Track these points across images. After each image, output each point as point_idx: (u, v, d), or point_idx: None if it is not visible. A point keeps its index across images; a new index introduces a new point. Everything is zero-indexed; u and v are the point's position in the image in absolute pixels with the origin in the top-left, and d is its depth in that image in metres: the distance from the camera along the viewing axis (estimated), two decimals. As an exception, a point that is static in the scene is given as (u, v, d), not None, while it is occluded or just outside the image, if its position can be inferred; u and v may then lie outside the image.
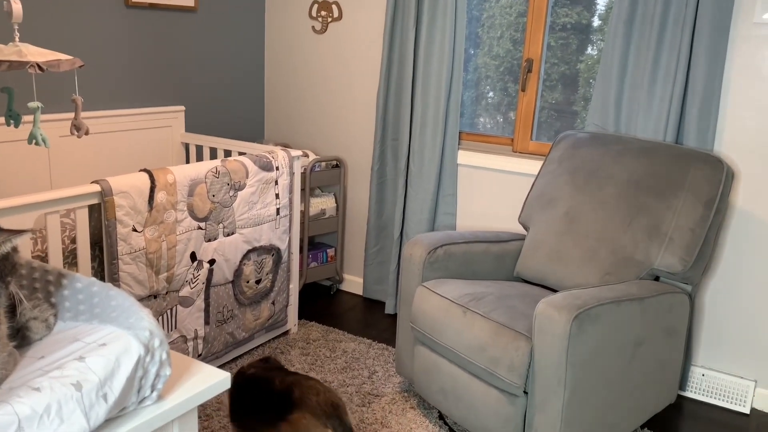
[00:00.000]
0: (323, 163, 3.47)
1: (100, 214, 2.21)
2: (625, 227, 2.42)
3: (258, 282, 2.83)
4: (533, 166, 3.02)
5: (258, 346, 2.95)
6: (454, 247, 2.58)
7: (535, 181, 2.80)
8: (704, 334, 2.79)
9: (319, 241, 3.77)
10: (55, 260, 2.11)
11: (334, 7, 3.51)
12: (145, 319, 1.03)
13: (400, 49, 3.22)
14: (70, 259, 2.26)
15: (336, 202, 3.56)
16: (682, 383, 2.81)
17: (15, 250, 1.00)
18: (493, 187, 3.19)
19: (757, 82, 2.55)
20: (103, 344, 0.98)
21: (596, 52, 3.00)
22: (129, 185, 2.23)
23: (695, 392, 2.80)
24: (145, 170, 2.33)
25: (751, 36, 2.53)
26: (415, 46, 3.17)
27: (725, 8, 2.49)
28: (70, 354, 0.97)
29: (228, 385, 1.16)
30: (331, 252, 3.62)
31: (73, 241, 2.25)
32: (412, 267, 2.53)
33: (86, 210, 2.17)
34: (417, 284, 2.51)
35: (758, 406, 2.73)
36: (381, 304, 3.55)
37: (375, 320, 3.37)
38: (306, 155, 3.43)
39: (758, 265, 2.64)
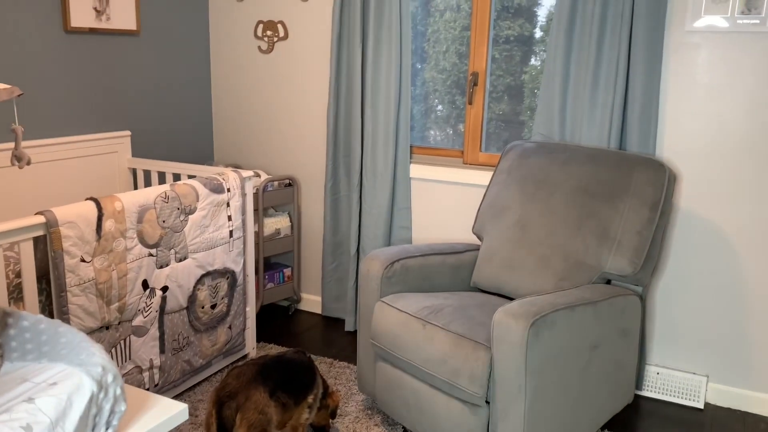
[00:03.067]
0: (276, 183, 3.45)
1: (46, 245, 2.14)
2: (575, 233, 2.47)
3: (213, 307, 2.78)
4: (484, 177, 3.07)
5: (216, 372, 2.90)
6: (410, 261, 2.59)
7: (486, 191, 2.84)
8: (657, 333, 2.87)
9: (275, 261, 3.73)
10: (0, 296, 2.03)
11: (279, 26, 3.50)
12: (96, 354, 1.00)
13: (347, 65, 3.24)
14: (16, 293, 2.17)
15: (290, 221, 3.54)
16: (638, 383, 2.88)
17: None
18: (446, 199, 3.22)
19: (692, 87, 2.66)
20: (54, 383, 0.95)
21: (539, 63, 3.07)
22: (75, 215, 2.17)
23: (651, 391, 2.87)
24: (91, 198, 2.27)
25: (684, 43, 2.64)
26: (363, 62, 3.19)
27: (659, 17, 2.59)
28: (18, 396, 0.94)
29: (186, 416, 1.13)
30: (287, 272, 3.59)
31: (18, 275, 2.17)
32: (369, 283, 2.53)
33: (31, 242, 2.10)
34: (375, 300, 2.51)
35: (711, 401, 2.81)
36: (340, 322, 3.53)
37: (335, 338, 3.35)
38: (258, 175, 3.40)
39: (704, 263, 2.74)
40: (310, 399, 2.21)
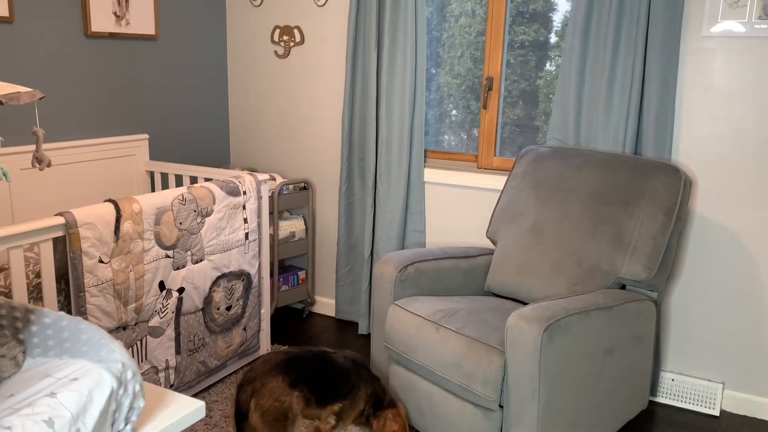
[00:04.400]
0: (291, 186, 3.48)
1: (65, 246, 2.18)
2: (589, 238, 2.47)
3: (228, 308, 2.80)
4: (498, 181, 3.07)
5: (231, 374, 2.92)
6: (424, 264, 2.60)
7: (500, 196, 2.84)
8: (672, 340, 2.85)
9: (289, 264, 3.75)
10: (20, 295, 2.06)
11: (295, 31, 3.53)
12: (116, 351, 1.02)
13: (363, 70, 3.26)
14: (35, 293, 2.21)
15: (305, 224, 3.56)
16: (653, 389, 2.86)
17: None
18: (460, 204, 3.22)
19: (708, 92, 2.65)
20: (75, 379, 0.97)
21: (554, 68, 3.07)
22: (94, 216, 2.20)
23: (666, 397, 2.85)
24: (110, 200, 2.30)
25: (700, 49, 2.63)
26: (378, 67, 3.21)
27: (675, 22, 2.59)
28: (40, 390, 0.96)
29: (203, 414, 1.15)
30: (302, 274, 3.61)
31: (38, 275, 2.20)
32: (383, 286, 2.54)
33: (50, 243, 2.14)
34: (389, 303, 2.52)
35: (727, 408, 2.79)
36: (354, 325, 3.54)
37: (348, 341, 3.36)
38: (273, 178, 3.43)
39: (719, 269, 2.72)
40: (336, 407, 2.13)
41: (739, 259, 2.68)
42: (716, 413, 2.75)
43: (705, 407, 2.77)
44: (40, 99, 1.95)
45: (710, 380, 2.79)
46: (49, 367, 1.03)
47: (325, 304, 3.69)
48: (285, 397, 2.00)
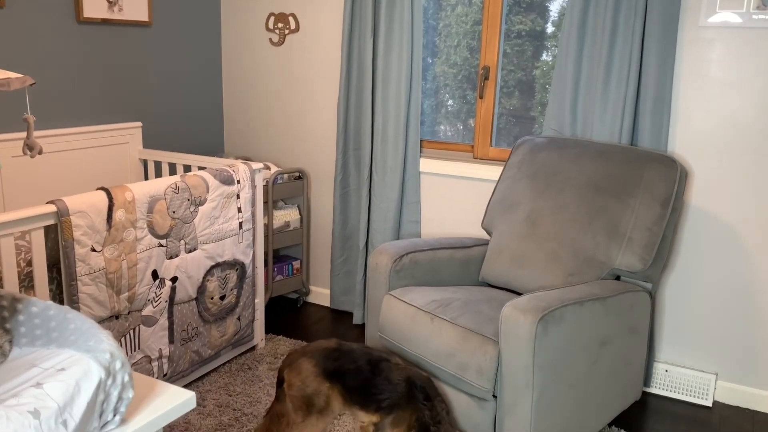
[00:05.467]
0: (285, 175, 3.46)
1: (57, 234, 2.16)
2: (585, 229, 2.46)
3: (222, 298, 2.79)
4: (494, 171, 3.06)
5: (225, 363, 2.91)
6: (419, 255, 2.59)
7: (496, 186, 2.83)
8: (666, 330, 2.85)
9: (284, 253, 3.74)
10: (11, 284, 2.05)
11: (290, 18, 3.50)
12: (104, 341, 1.00)
13: (358, 59, 3.23)
14: (27, 282, 2.19)
15: (300, 214, 3.55)
16: (647, 380, 2.86)
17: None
18: (456, 194, 3.21)
19: (705, 83, 2.63)
20: (62, 369, 0.95)
21: (551, 58, 3.05)
22: (86, 204, 2.18)
23: (659, 388, 2.85)
24: (102, 188, 2.28)
25: (697, 39, 2.62)
26: (374, 56, 3.19)
27: (672, 12, 2.57)
28: (26, 381, 0.94)
29: (193, 405, 1.14)
30: (296, 264, 3.59)
31: (29, 263, 2.18)
32: (378, 276, 2.53)
33: (42, 231, 2.12)
34: (384, 293, 2.51)
35: (720, 399, 2.79)
36: (349, 315, 3.53)
37: (343, 331, 3.36)
38: (268, 168, 3.41)
39: (714, 261, 2.72)
40: (364, 417, 2.03)
41: (733, 250, 2.68)
42: (709, 404, 2.76)
43: (698, 398, 2.78)
44: (31, 85, 1.92)
45: (703, 371, 2.79)
46: (36, 356, 1.02)
47: (320, 294, 3.69)
48: (311, 383, 2.00)
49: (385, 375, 2.04)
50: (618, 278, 2.48)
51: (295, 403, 2.01)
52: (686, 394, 2.81)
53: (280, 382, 2.08)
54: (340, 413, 2.09)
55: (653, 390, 2.87)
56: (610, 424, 2.57)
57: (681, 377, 2.81)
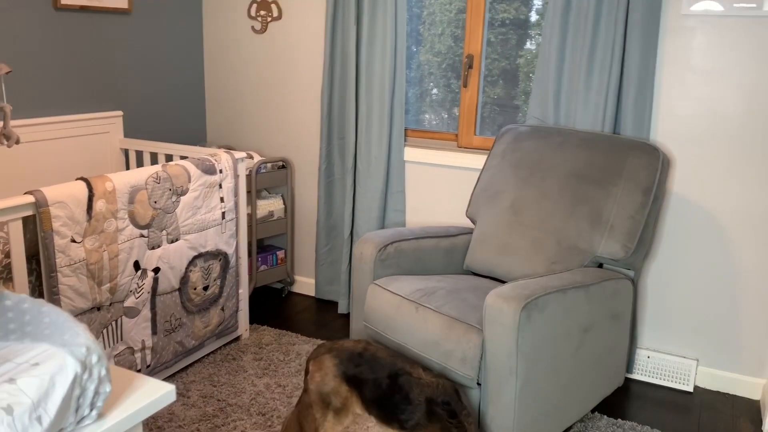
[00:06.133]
0: (269, 164, 3.43)
1: (36, 226, 2.13)
2: (568, 217, 2.47)
3: (206, 288, 2.77)
4: (478, 160, 3.06)
5: (209, 354, 2.90)
6: (404, 244, 2.59)
7: (480, 175, 2.83)
8: (648, 317, 2.88)
9: (268, 243, 3.72)
10: (-11, 276, 2.02)
11: (273, 6, 3.46)
12: (80, 334, 0.99)
13: (341, 47, 3.21)
14: (5, 274, 2.16)
15: (284, 204, 3.53)
16: (629, 366, 2.89)
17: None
18: (440, 183, 3.21)
19: (687, 72, 2.64)
20: (36, 364, 0.94)
21: (535, 47, 3.05)
22: (65, 195, 2.15)
23: (641, 374, 2.88)
24: (82, 178, 2.25)
25: (680, 27, 2.62)
26: (357, 44, 3.16)
27: (655, 1, 2.57)
28: None
29: (173, 398, 1.13)
30: (281, 254, 3.58)
31: (8, 255, 2.15)
32: (363, 265, 2.53)
33: (20, 222, 2.09)
34: (369, 282, 2.51)
35: (701, 384, 2.83)
36: (334, 305, 3.53)
37: (328, 321, 3.35)
38: (251, 157, 3.38)
39: (695, 248, 2.74)
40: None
41: (714, 238, 2.70)
42: (690, 389, 2.79)
43: (679, 383, 2.81)
44: (7, 73, 1.89)
45: (685, 357, 2.82)
46: (9, 351, 1.00)
47: (305, 284, 3.68)
48: (330, 381, 2.00)
49: (404, 393, 1.95)
50: (601, 266, 2.49)
51: (314, 397, 2.01)
52: (668, 380, 2.84)
53: (307, 372, 2.09)
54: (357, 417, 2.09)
55: (636, 376, 2.89)
56: (593, 410, 2.59)
57: (663, 363, 2.84)
